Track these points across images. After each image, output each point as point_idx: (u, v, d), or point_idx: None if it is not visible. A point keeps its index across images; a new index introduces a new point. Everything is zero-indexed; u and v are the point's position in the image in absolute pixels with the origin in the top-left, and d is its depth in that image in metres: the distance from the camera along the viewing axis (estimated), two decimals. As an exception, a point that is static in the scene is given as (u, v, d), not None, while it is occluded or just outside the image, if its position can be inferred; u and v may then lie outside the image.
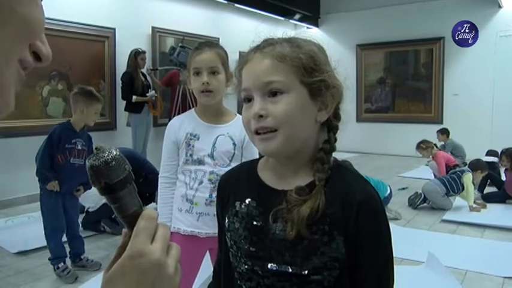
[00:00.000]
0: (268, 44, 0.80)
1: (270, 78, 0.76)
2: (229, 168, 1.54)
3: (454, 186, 4.30)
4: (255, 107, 0.77)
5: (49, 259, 2.79)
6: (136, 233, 0.48)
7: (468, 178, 4.29)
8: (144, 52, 5.35)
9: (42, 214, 2.82)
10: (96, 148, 0.52)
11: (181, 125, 1.61)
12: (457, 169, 4.50)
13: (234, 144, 1.57)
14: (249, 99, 0.80)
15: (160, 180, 1.67)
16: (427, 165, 5.69)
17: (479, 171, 4.51)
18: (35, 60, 0.39)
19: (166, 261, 0.48)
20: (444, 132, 6.40)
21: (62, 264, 2.77)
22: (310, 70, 0.77)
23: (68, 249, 2.91)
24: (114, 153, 0.49)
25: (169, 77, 5.55)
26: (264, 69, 0.77)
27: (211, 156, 1.56)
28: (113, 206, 0.50)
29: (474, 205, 4.29)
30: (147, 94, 5.24)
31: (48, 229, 2.78)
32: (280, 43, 0.79)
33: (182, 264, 1.66)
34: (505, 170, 4.70)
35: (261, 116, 0.76)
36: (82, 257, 2.94)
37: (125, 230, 0.51)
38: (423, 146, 5.43)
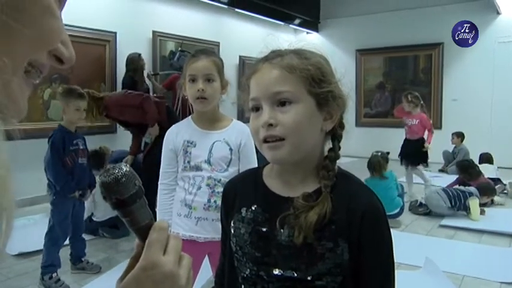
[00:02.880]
0: (276, 55, 0.82)
1: (280, 88, 0.79)
2: (226, 173, 1.57)
3: (458, 203, 4.21)
4: (265, 116, 0.79)
5: (42, 266, 2.69)
6: (149, 244, 0.50)
7: (475, 204, 4.16)
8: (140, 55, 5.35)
9: (52, 218, 2.75)
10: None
11: (178, 132, 1.64)
12: (465, 189, 4.38)
13: (231, 149, 1.60)
14: (257, 109, 0.82)
15: (159, 187, 1.69)
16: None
17: (486, 197, 4.44)
18: (57, 62, 0.40)
19: (178, 272, 0.50)
20: (460, 136, 6.40)
21: (55, 274, 2.70)
22: (318, 81, 0.80)
23: (68, 251, 2.91)
24: (124, 169, 0.51)
25: (170, 81, 5.57)
26: (274, 80, 0.79)
27: (208, 162, 1.59)
28: (125, 219, 0.52)
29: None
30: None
31: (55, 235, 2.72)
32: (288, 54, 0.81)
33: None
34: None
35: (270, 125, 0.78)
36: (82, 259, 2.94)
37: (137, 241, 0.53)
38: (410, 98, 4.97)
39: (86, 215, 3.71)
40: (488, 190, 4.51)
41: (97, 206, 3.71)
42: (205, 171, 1.58)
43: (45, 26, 0.37)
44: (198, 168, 1.59)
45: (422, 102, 5.27)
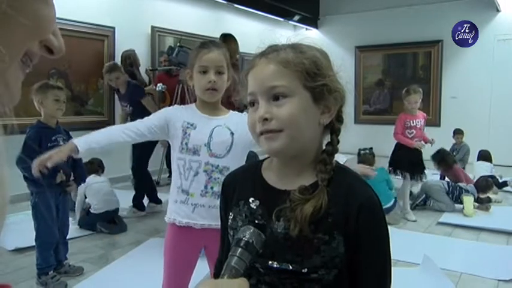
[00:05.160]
0: (272, 50, 0.83)
1: (275, 83, 0.80)
2: (225, 159, 1.58)
3: (454, 193, 4.32)
4: (260, 110, 0.80)
5: (37, 268, 2.65)
6: None
7: (468, 200, 4.19)
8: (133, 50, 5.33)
9: (37, 222, 2.66)
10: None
11: (181, 112, 1.65)
12: (463, 186, 4.44)
13: (232, 133, 1.60)
14: (253, 103, 0.83)
15: (126, 126, 1.65)
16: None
17: (482, 192, 4.48)
18: (47, 52, 0.40)
19: None
20: (461, 133, 6.35)
21: (51, 272, 2.66)
22: (313, 75, 0.80)
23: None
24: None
25: (159, 80, 5.47)
26: (269, 74, 0.80)
27: (208, 145, 1.58)
28: (237, 257, 0.72)
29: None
30: (158, 86, 4.95)
31: (44, 240, 2.65)
32: (284, 49, 0.82)
33: (179, 256, 1.67)
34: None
35: (265, 119, 0.79)
36: (64, 262, 2.84)
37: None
38: (421, 90, 4.21)
39: (79, 215, 3.79)
40: (482, 186, 4.56)
41: (92, 199, 3.73)
42: (203, 155, 1.57)
43: (40, 14, 0.37)
44: (195, 151, 1.58)
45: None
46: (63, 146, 1.50)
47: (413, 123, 4.21)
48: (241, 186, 0.91)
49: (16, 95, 0.38)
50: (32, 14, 0.36)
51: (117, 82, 4.20)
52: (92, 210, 3.72)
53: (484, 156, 5.75)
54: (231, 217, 0.89)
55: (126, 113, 4.37)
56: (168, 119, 1.62)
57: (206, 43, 1.65)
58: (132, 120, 3.99)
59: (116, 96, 5.50)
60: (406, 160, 4.18)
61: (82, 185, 3.71)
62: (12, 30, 0.35)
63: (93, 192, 3.73)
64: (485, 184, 4.58)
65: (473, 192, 4.37)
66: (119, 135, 1.60)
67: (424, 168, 4.22)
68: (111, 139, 1.59)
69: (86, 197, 3.78)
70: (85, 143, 1.53)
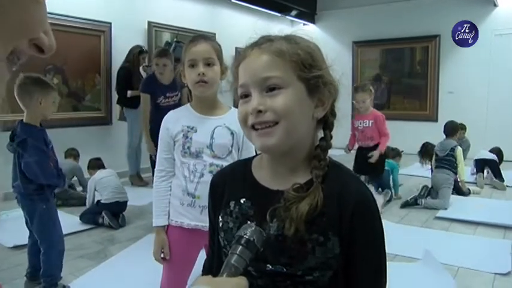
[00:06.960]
0: (265, 40, 0.79)
1: (268, 73, 0.76)
2: (228, 158, 1.55)
3: (454, 164, 4.50)
4: (254, 102, 0.76)
5: (49, 276, 2.39)
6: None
7: (460, 152, 4.51)
8: (146, 52, 5.32)
9: (49, 233, 2.40)
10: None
11: (177, 118, 1.61)
12: (448, 150, 4.59)
13: (232, 134, 1.57)
14: (245, 95, 0.79)
15: (157, 173, 1.65)
16: None
17: (450, 136, 4.74)
18: (37, 51, 0.39)
19: None
20: (464, 128, 6.32)
21: (59, 282, 2.49)
22: (308, 66, 0.77)
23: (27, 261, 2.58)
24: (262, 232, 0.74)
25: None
26: (262, 65, 0.77)
27: (210, 147, 1.56)
28: (238, 255, 0.70)
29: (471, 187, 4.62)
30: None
31: (59, 249, 2.43)
32: (278, 40, 0.79)
33: (181, 255, 1.67)
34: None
35: (259, 112, 0.76)
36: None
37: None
38: (371, 89, 3.91)
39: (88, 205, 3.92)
40: (448, 128, 4.74)
41: (103, 191, 3.79)
42: (207, 157, 1.56)
43: (30, 14, 0.37)
44: (198, 154, 1.56)
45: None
46: (160, 238, 1.63)
47: (355, 124, 3.90)
48: (231, 186, 0.87)
49: (1, 93, 0.38)
50: (21, 13, 0.35)
51: (164, 69, 3.94)
52: (102, 201, 3.76)
53: (496, 150, 5.75)
54: (222, 218, 0.85)
55: (168, 104, 3.94)
56: (171, 135, 1.60)
57: (195, 37, 1.62)
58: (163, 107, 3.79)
59: (114, 94, 5.48)
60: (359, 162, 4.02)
61: (91, 179, 3.94)
62: (1, 27, 0.34)
63: (103, 185, 3.81)
64: (451, 125, 4.77)
65: (455, 145, 4.62)
66: (168, 187, 1.64)
67: (371, 170, 3.95)
68: (167, 193, 1.64)
69: (96, 190, 3.86)
70: (164, 219, 1.63)
